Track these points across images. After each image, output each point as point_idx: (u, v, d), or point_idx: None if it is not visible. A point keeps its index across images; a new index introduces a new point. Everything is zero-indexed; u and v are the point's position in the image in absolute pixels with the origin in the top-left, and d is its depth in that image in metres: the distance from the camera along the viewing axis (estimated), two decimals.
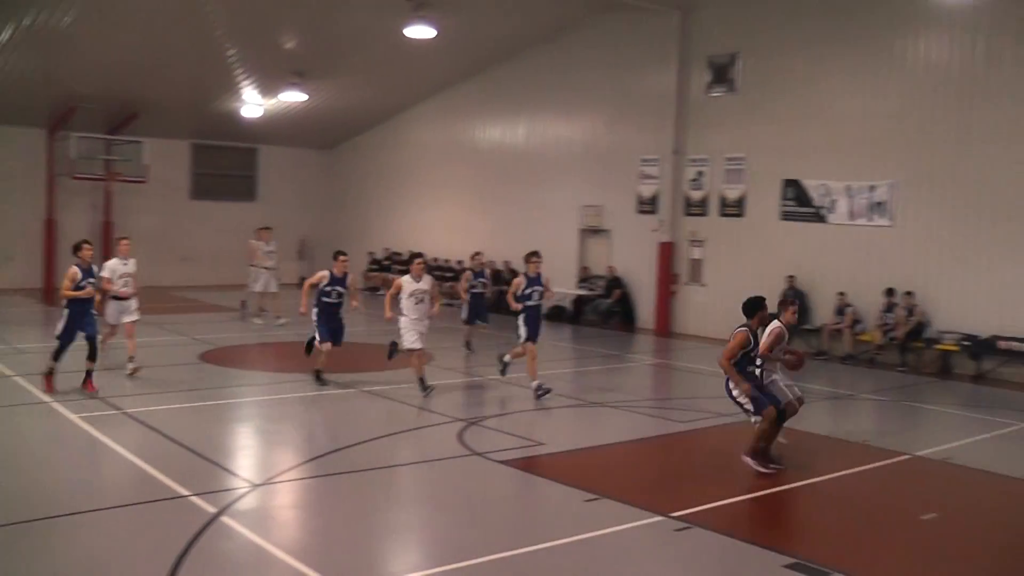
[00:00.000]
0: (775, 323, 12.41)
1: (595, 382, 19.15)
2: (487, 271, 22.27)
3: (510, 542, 9.19)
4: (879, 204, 22.96)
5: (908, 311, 21.67)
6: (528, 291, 16.91)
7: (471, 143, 34.79)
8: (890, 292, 22.07)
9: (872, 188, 23.07)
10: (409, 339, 16.26)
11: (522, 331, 16.86)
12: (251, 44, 29.25)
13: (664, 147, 27.58)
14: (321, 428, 14.44)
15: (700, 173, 27.04)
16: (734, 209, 26.27)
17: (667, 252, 27.51)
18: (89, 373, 15.45)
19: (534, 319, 16.91)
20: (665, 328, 27.46)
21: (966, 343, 21.10)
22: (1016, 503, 11.74)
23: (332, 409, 15.56)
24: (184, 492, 10.30)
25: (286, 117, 36.32)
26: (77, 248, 15.78)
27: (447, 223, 35.52)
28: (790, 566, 8.78)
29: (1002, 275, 20.89)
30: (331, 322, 17.22)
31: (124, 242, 17.83)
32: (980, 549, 9.82)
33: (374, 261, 37.65)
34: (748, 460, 12.00)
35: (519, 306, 16.83)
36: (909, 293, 21.86)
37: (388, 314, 16.40)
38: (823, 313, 23.88)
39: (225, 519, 9.51)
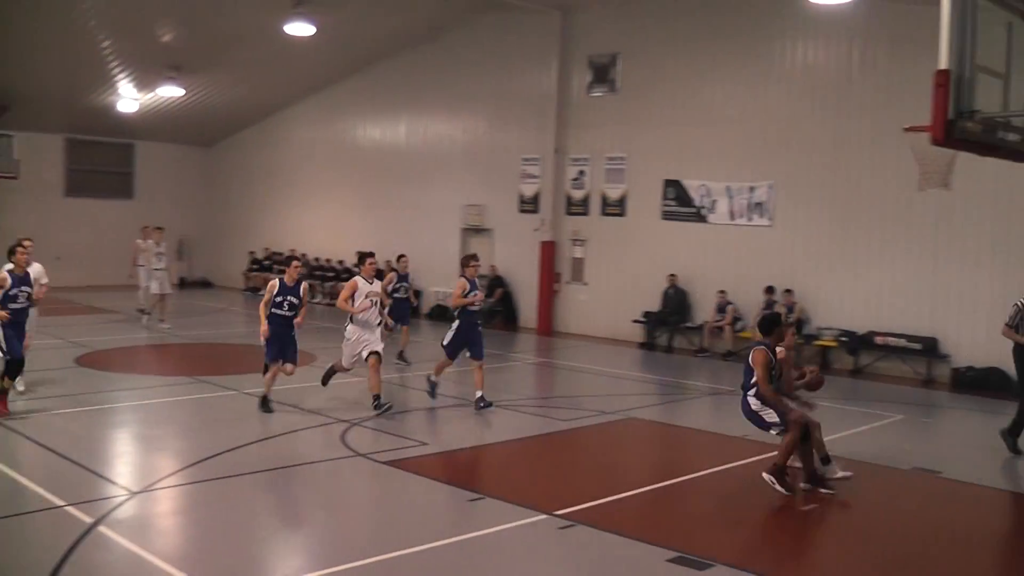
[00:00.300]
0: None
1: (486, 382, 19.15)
2: (410, 275, 21.52)
3: (394, 543, 9.11)
4: (759, 204, 23.36)
5: (788, 308, 22.05)
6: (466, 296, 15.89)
7: (352, 142, 34.57)
8: (770, 290, 22.44)
9: (752, 189, 23.45)
10: (349, 355, 15.35)
11: (448, 338, 15.95)
12: (126, 36, 28.55)
13: (546, 146, 27.70)
14: (201, 432, 14.11)
15: (581, 173, 27.20)
16: (615, 209, 26.48)
17: (549, 251, 27.62)
18: (4, 392, 14.26)
19: (471, 327, 15.98)
20: (547, 327, 27.57)
21: (844, 339, 21.62)
22: (892, 491, 11.99)
23: (213, 412, 15.26)
24: (59, 502, 9.97)
25: (164, 112, 35.62)
26: (12, 252, 14.22)
27: (329, 222, 35.25)
28: (673, 560, 8.86)
29: (877, 273, 21.43)
30: (281, 339, 15.14)
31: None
32: (857, 536, 10.01)
33: (255, 261, 37.21)
34: (769, 478, 11.31)
35: (472, 299, 15.79)
36: (788, 291, 22.27)
37: (348, 308, 15.11)
38: (704, 311, 24.20)
39: (102, 529, 9.22)
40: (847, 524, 10.58)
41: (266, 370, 15.30)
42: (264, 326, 14.95)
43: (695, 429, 15.15)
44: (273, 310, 15.05)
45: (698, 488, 11.77)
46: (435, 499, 11.09)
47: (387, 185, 33.01)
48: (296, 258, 15.95)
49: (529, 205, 28.43)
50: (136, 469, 12.15)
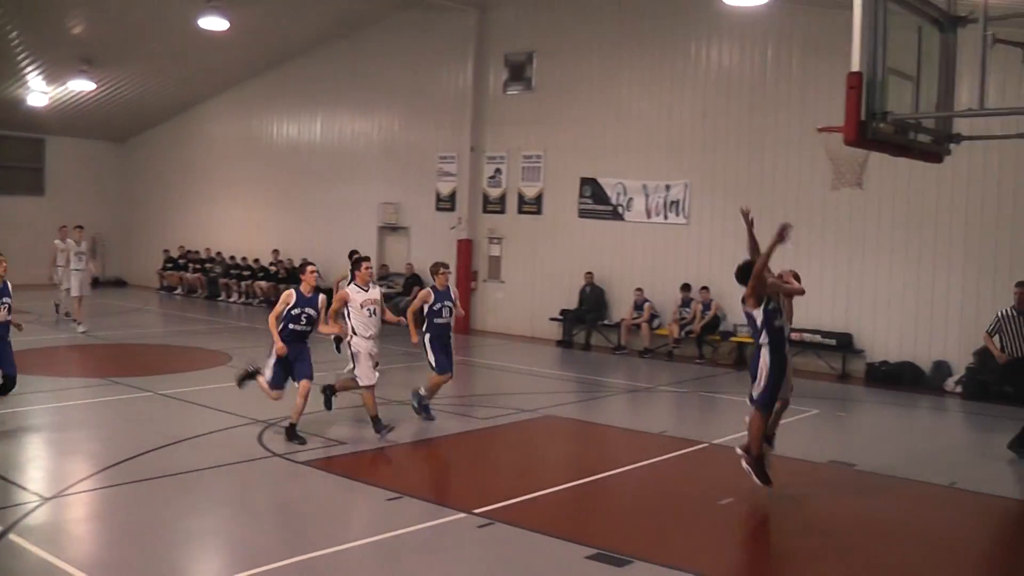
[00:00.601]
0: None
1: (396, 380, 19.06)
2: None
3: (313, 543, 9.07)
4: (675, 203, 23.56)
5: (705, 305, 22.26)
6: (438, 307, 14.82)
7: (268, 138, 34.30)
8: (686, 287, 22.64)
9: (668, 187, 23.66)
10: (367, 370, 13.76)
11: (432, 357, 14.83)
12: (35, 27, 28.02)
13: (462, 144, 27.70)
14: (116, 435, 13.87)
15: (498, 171, 27.24)
16: (532, 207, 26.55)
17: (466, 249, 27.61)
18: None
19: (444, 340, 15.00)
20: (465, 325, 27.50)
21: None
22: (809, 484, 12.15)
23: (127, 415, 15.03)
24: None
25: (75, 107, 35.05)
26: None
27: (245, 220, 34.96)
28: (592, 557, 8.92)
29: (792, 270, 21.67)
30: (296, 356, 13.45)
31: None
32: (772, 529, 10.16)
33: (169, 260, 36.77)
34: (746, 468, 11.00)
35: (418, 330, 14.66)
36: (705, 288, 22.48)
37: (330, 328, 13.82)
38: (621, 309, 24.35)
39: (13, 537, 9.03)
40: (764, 517, 10.72)
41: (244, 380, 14.04)
42: (279, 344, 13.17)
43: (613, 426, 15.25)
44: (289, 325, 13.22)
45: (616, 485, 11.85)
46: (353, 499, 11.05)
47: (303, 183, 32.82)
48: (310, 263, 13.66)
49: (446, 203, 28.41)
50: (48, 474, 11.90)
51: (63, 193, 38.42)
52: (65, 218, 36.40)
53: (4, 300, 13.68)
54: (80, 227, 26.02)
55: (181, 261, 36.14)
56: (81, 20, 28.29)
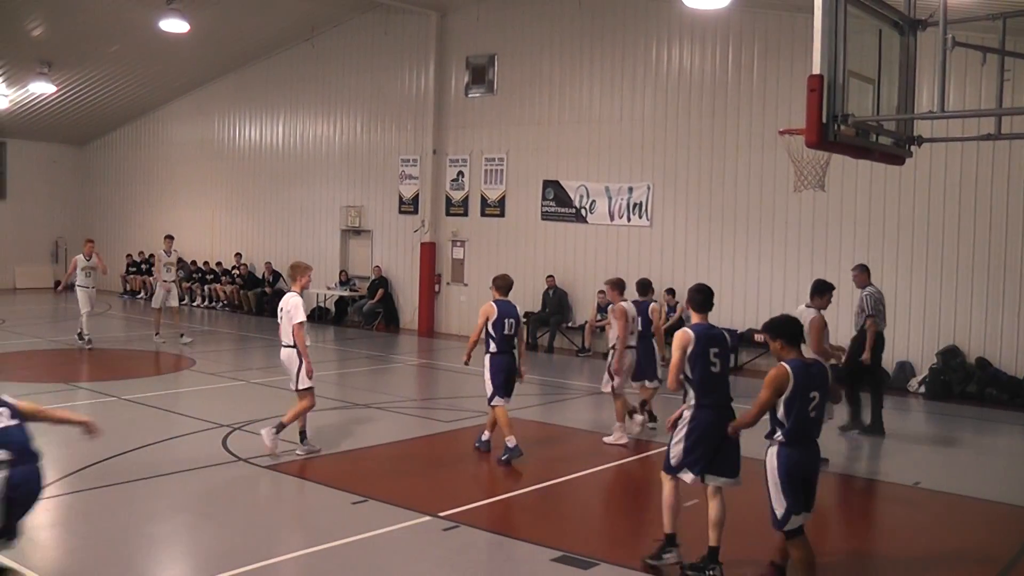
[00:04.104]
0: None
1: (359, 384, 19.04)
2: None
3: (277, 548, 9.06)
4: (637, 205, 23.63)
5: (670, 308, 22.33)
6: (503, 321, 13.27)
7: (230, 142, 34.13)
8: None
9: (630, 189, 23.71)
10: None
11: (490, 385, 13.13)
12: None
13: (424, 147, 27.70)
14: (79, 440, 13.62)
15: (460, 173, 27.24)
16: (495, 209, 26.56)
17: (429, 252, 27.59)
18: None
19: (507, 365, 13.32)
20: (428, 328, 27.54)
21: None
22: None
23: (93, 419, 14.92)
24: None
25: (36, 110, 34.85)
26: None
27: (207, 224, 34.78)
28: (557, 559, 8.95)
29: (755, 272, 21.87)
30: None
31: None
32: (738, 531, 10.17)
33: (132, 263, 36.53)
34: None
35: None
36: (670, 291, 22.54)
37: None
38: (585, 311, 24.39)
39: None
40: (732, 519, 10.73)
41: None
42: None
43: (577, 429, 15.26)
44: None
45: (581, 487, 11.88)
46: (318, 502, 11.02)
47: (265, 186, 32.69)
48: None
49: (408, 206, 28.38)
50: None
51: (24, 197, 38.17)
52: (27, 222, 36.34)
53: None
54: (91, 240, 24.08)
55: (144, 265, 35.88)
56: (41, 22, 28.07)
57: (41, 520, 10.03)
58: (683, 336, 8.91)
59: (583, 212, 24.63)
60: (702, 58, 22.82)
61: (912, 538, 10.31)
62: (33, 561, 8.67)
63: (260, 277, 32.01)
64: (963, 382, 18.97)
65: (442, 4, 26.90)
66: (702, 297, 9.32)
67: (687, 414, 8.88)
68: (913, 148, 10.14)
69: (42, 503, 10.32)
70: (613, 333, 14.30)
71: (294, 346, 12.66)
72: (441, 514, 10.17)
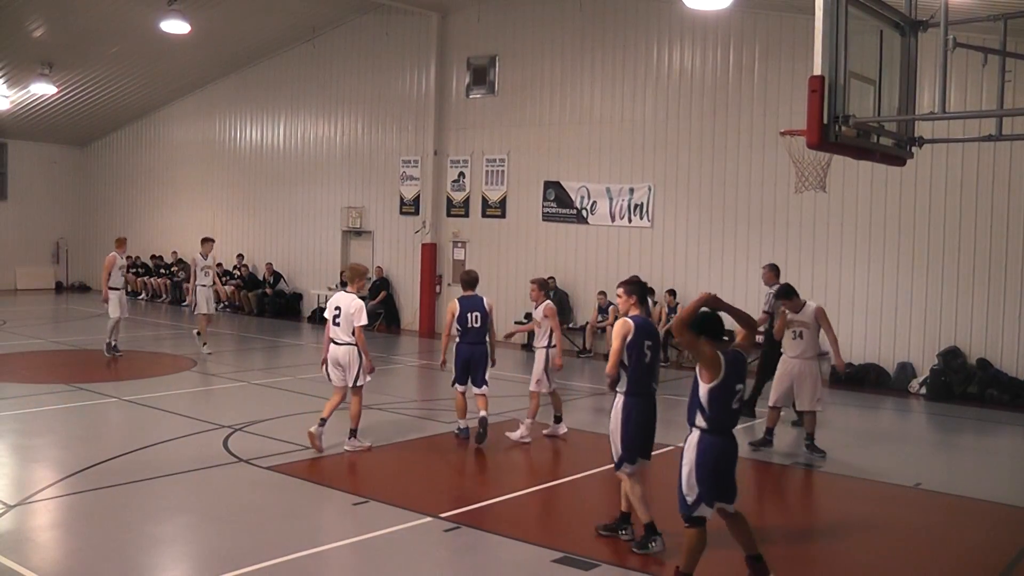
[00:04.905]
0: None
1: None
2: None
3: (280, 549, 9.03)
4: (638, 206, 23.63)
5: (671, 310, 22.32)
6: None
7: (231, 143, 34.14)
8: (650, 291, 22.67)
9: (631, 190, 23.71)
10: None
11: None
12: None
13: (425, 148, 27.72)
14: (81, 441, 13.75)
15: (462, 174, 27.24)
16: (496, 210, 26.57)
17: (430, 253, 27.60)
18: None
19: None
20: (429, 329, 27.54)
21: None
22: (773, 486, 12.21)
23: (92, 421, 14.93)
24: None
25: (37, 110, 34.85)
26: None
27: (208, 225, 34.72)
28: (559, 560, 8.94)
29: (756, 273, 21.73)
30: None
31: None
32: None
33: (132, 265, 36.51)
34: None
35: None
36: (671, 292, 22.54)
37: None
38: (586, 312, 24.40)
39: None
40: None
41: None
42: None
43: (578, 430, 15.25)
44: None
45: (582, 488, 11.86)
46: (319, 504, 11.01)
47: (266, 187, 32.71)
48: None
49: (410, 207, 28.39)
50: (12, 481, 11.71)
51: (25, 198, 38.19)
52: (28, 223, 36.35)
53: None
54: (211, 240, 23.03)
55: (141, 270, 35.92)
56: (42, 23, 28.09)
57: (42, 521, 10.08)
58: (624, 326, 9.52)
59: (584, 213, 24.63)
60: (703, 59, 22.83)
61: (913, 539, 10.30)
62: (34, 562, 8.67)
63: (261, 278, 32.04)
64: (964, 383, 18.96)
65: (443, 5, 26.91)
66: (644, 290, 9.93)
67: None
68: (914, 149, 10.13)
69: (43, 504, 10.40)
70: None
71: (355, 344, 12.99)
72: (442, 515, 10.17)
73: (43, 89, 31.50)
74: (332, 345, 13.10)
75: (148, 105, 36.35)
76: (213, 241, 22.97)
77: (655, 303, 22.52)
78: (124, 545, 9.31)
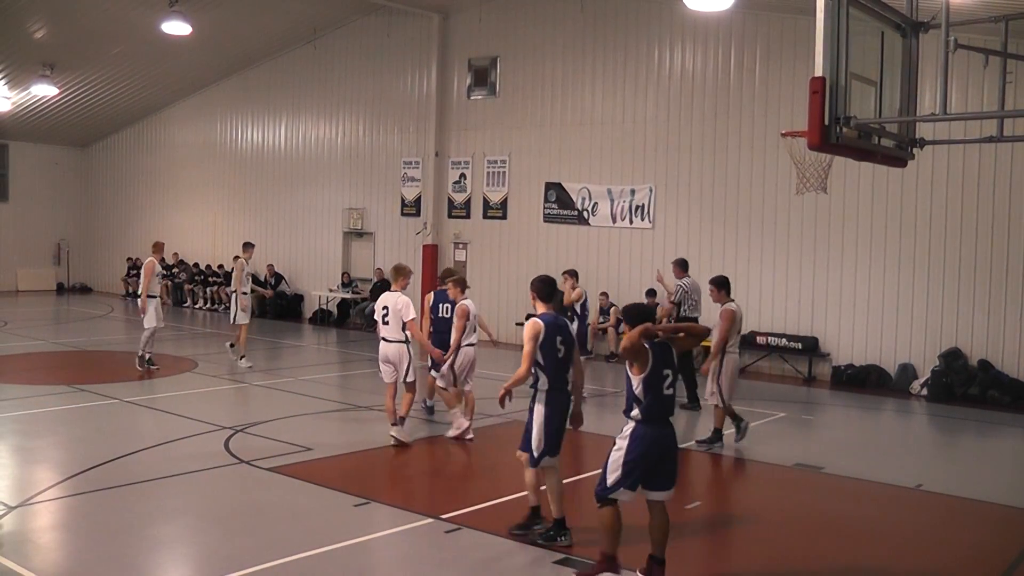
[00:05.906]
0: None
1: (362, 386, 19.02)
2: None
3: (281, 550, 9.02)
4: (640, 207, 23.62)
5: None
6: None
7: (232, 144, 34.14)
8: (652, 293, 22.66)
9: (632, 192, 23.70)
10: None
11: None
12: None
13: (426, 149, 27.72)
14: (82, 442, 13.73)
15: (463, 175, 27.24)
16: (497, 211, 26.56)
17: (431, 255, 27.58)
18: None
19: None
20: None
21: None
22: (774, 488, 12.20)
23: (93, 422, 14.91)
24: None
25: (38, 112, 34.86)
26: None
27: (209, 226, 34.79)
28: (560, 562, 8.97)
29: (757, 274, 21.84)
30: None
31: None
32: (739, 534, 10.18)
33: (134, 266, 36.51)
34: None
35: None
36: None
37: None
38: (587, 313, 24.36)
39: None
40: (734, 522, 10.74)
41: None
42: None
43: (579, 431, 15.23)
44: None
45: (583, 489, 11.84)
46: (320, 505, 10.98)
47: (268, 188, 32.71)
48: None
49: (411, 208, 28.39)
50: (14, 482, 11.71)
51: (26, 199, 38.21)
52: (30, 224, 36.36)
53: None
54: (252, 244, 21.83)
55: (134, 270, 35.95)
56: (43, 24, 28.11)
57: (43, 522, 10.08)
58: (535, 326, 9.44)
59: (585, 214, 24.63)
60: (704, 60, 22.82)
61: (914, 540, 10.30)
62: (35, 563, 8.67)
63: (262, 280, 32.03)
64: (965, 384, 18.95)
65: (444, 6, 26.91)
66: (549, 288, 9.86)
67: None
68: (915, 150, 10.13)
69: (45, 505, 10.40)
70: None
71: (404, 341, 13.55)
72: (443, 516, 10.16)
73: (44, 90, 31.49)
74: (382, 343, 13.58)
75: (149, 106, 36.36)
76: (253, 246, 21.92)
77: (657, 304, 22.49)
78: (125, 546, 9.30)
